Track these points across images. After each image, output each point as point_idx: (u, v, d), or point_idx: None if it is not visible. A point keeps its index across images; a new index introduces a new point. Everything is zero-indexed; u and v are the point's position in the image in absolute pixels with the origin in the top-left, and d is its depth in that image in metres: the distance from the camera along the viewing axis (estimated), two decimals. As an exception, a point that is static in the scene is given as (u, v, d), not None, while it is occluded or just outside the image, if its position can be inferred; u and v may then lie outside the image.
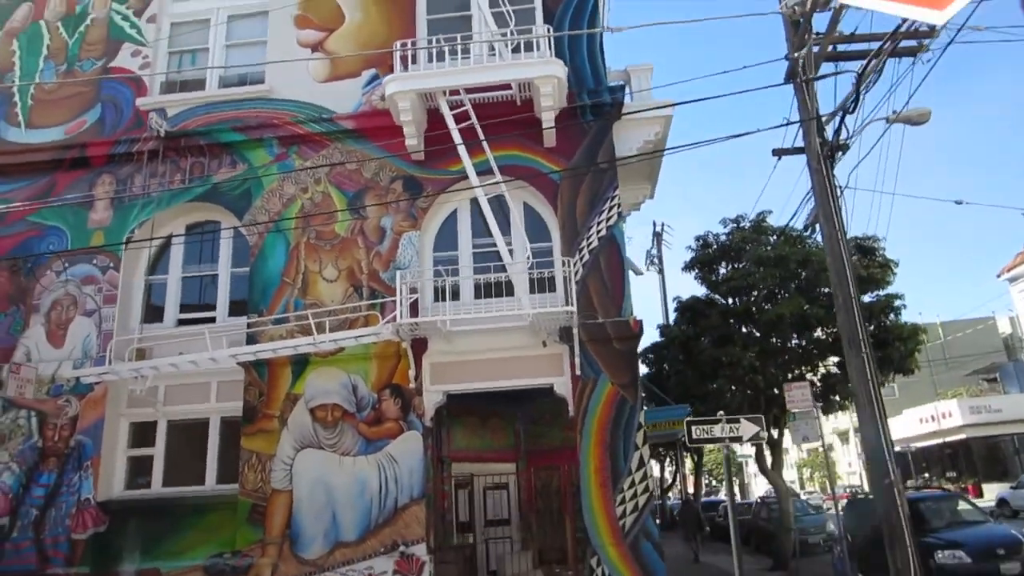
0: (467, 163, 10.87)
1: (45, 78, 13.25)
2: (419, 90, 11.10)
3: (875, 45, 10.46)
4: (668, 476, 37.38)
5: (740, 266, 15.82)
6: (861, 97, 9.10)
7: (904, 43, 10.30)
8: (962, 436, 39.84)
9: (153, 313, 12.27)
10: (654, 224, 32.50)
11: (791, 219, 19.38)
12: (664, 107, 11.76)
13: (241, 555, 10.56)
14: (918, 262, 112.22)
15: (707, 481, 69.27)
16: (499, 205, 11.44)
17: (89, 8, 13.68)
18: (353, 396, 11.02)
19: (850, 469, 53.97)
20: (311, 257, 11.69)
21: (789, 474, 64.07)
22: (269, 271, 11.69)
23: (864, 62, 9.19)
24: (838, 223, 10.30)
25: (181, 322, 12.13)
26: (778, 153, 11.18)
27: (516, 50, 11.51)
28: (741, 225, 16.43)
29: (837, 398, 16.30)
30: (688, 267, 16.61)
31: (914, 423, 43.57)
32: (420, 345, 10.98)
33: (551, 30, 11.46)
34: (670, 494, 35.97)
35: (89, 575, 10.53)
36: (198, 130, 12.35)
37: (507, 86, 11.31)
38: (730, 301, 15.77)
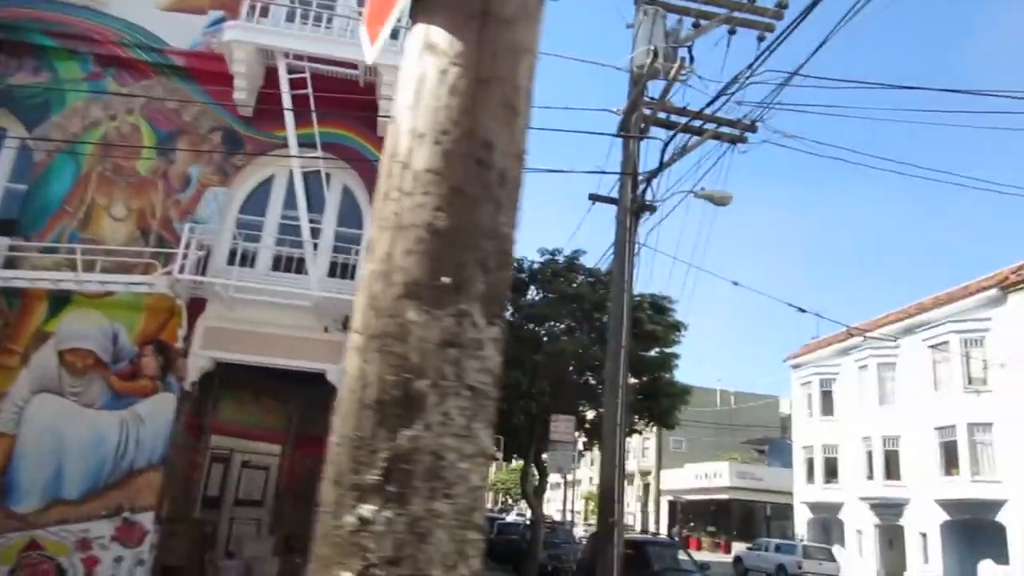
0: (290, 130, 10.55)
1: None
2: (259, 45, 10.65)
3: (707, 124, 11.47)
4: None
5: (545, 296, 16.49)
6: (663, 165, 9.80)
7: (729, 131, 11.34)
8: (726, 496, 43.75)
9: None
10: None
11: (597, 263, 20.46)
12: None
13: (-61, 497, 9.47)
14: (737, 333, 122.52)
15: (503, 499, 70.99)
16: (319, 183, 11.21)
17: None
18: (111, 345, 10.25)
19: (628, 509, 57.37)
20: (101, 190, 10.79)
21: (577, 505, 66.95)
22: (50, 195, 10.66)
23: (672, 133, 9.91)
24: (627, 277, 10.95)
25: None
26: (593, 199, 11.77)
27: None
28: (556, 258, 17.11)
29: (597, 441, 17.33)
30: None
31: (691, 477, 47.17)
32: (197, 305, 10.44)
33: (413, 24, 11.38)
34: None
35: None
36: (8, 23, 11.07)
37: (354, 66, 11.11)
38: (531, 327, 16.32)
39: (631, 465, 57.63)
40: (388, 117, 11.22)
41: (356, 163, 11.41)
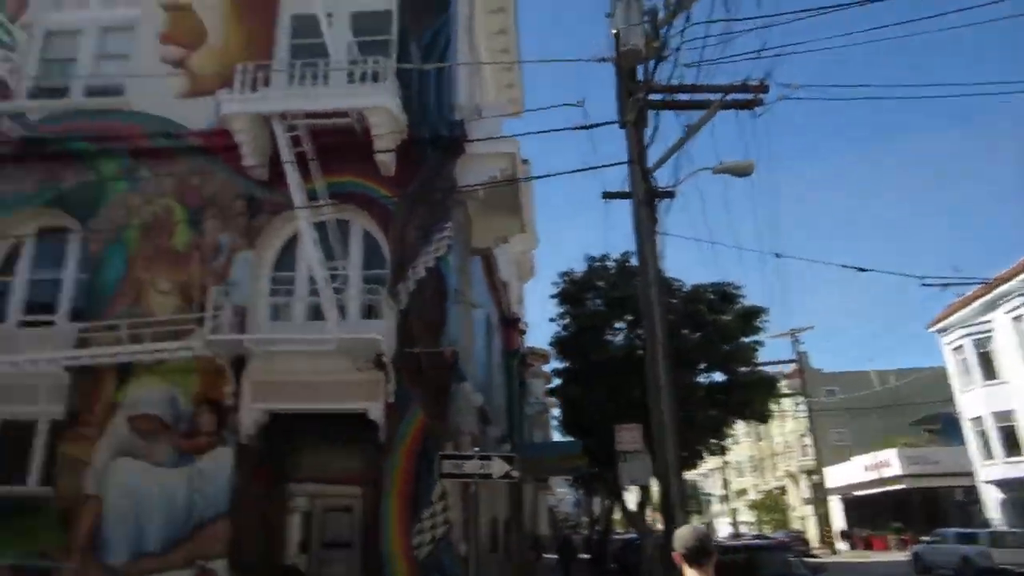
0: (293, 186, 11.07)
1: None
2: (252, 112, 11.34)
3: (712, 95, 10.89)
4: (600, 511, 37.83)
5: (598, 304, 16.00)
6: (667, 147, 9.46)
7: (738, 96, 10.69)
8: (902, 486, 39.69)
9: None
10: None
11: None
12: (504, 139, 12.07)
13: (47, 558, 10.61)
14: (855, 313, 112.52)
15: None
16: (338, 231, 11.64)
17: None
18: (172, 408, 11.12)
19: (796, 513, 53.65)
20: (147, 269, 11.83)
21: (746, 516, 63.38)
22: (106, 280, 11.85)
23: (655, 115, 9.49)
24: (653, 269, 10.36)
25: (24, 324, 12.23)
26: (608, 196, 11.34)
27: (365, 79, 11.65)
28: (605, 264, 16.54)
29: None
30: (558, 299, 16.70)
31: (859, 470, 43.40)
32: (239, 362, 11.10)
33: (381, 61, 11.62)
34: (596, 527, 36.14)
35: None
36: (53, 137, 12.53)
37: (345, 114, 11.48)
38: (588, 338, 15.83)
39: (792, 466, 54.03)
40: (391, 156, 11.56)
41: (367, 206, 11.76)
